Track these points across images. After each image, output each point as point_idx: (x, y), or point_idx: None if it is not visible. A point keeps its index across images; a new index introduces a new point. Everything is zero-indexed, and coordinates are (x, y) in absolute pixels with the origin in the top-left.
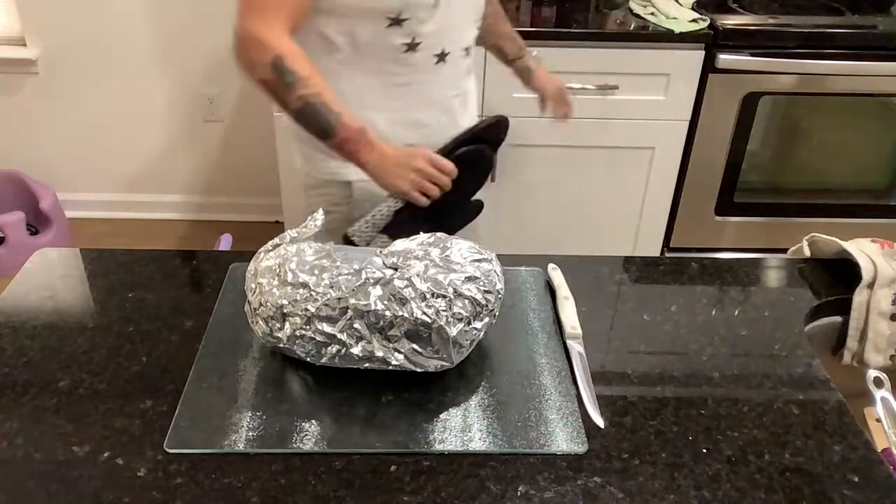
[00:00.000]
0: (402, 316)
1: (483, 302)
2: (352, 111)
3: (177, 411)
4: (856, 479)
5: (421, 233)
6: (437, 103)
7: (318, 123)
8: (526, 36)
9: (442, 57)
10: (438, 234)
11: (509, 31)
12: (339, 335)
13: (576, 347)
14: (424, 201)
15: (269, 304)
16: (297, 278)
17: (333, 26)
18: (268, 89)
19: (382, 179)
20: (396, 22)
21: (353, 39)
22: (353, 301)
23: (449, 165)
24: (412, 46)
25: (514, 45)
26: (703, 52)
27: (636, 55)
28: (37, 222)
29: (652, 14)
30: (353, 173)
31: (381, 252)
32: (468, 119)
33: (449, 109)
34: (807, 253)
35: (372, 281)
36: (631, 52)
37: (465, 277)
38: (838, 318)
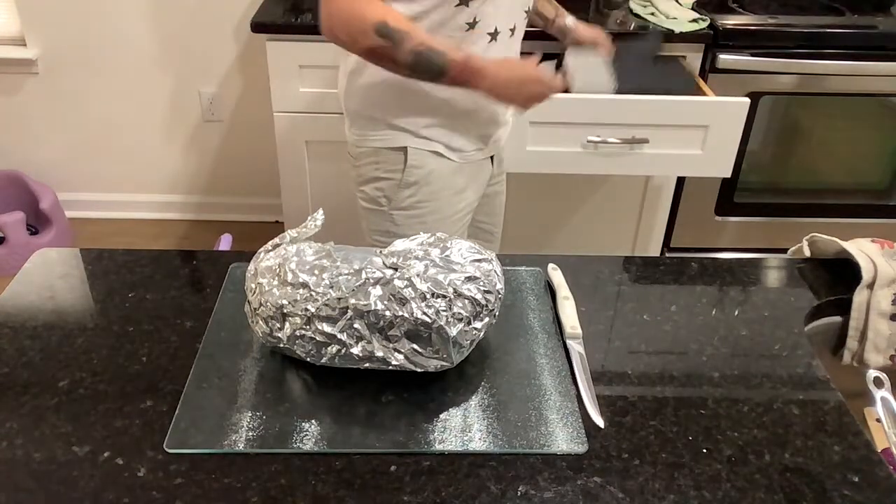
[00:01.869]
0: (402, 316)
1: (483, 302)
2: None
3: (177, 411)
4: (856, 479)
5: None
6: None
7: (431, 69)
8: (526, 36)
9: (494, 36)
10: (438, 234)
11: None
12: (339, 335)
13: (576, 347)
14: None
15: (269, 304)
16: (297, 278)
17: (407, 7)
18: (375, 55)
19: (499, 100)
20: (464, 2)
21: (424, 20)
22: (353, 301)
23: (557, 85)
24: (472, 25)
25: (551, 7)
26: (703, 52)
27: None
28: (37, 222)
29: (652, 14)
30: (408, 138)
31: (381, 252)
32: None
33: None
34: (807, 253)
35: (372, 281)
36: None
37: (465, 277)
38: (838, 318)
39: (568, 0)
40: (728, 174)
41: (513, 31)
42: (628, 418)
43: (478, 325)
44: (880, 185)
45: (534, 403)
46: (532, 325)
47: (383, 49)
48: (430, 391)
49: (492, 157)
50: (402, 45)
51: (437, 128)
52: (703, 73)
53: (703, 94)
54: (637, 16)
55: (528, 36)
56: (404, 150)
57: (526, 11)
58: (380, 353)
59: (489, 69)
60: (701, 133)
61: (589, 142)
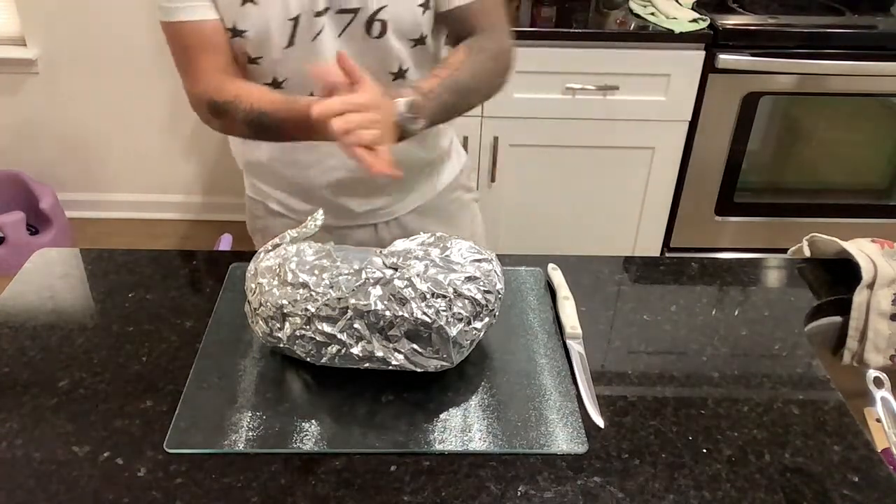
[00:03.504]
0: (402, 316)
1: (483, 302)
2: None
3: (177, 411)
4: (856, 479)
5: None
6: (316, 146)
7: (269, 130)
8: (526, 36)
9: None
10: (438, 233)
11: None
12: (339, 335)
13: (576, 347)
14: (365, 160)
15: (269, 304)
16: (297, 278)
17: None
18: (227, 131)
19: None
20: (253, 61)
21: (241, 71)
22: (353, 301)
23: (360, 99)
24: (276, 85)
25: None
26: (703, 52)
27: (636, 55)
28: (37, 222)
29: (652, 14)
30: (249, 187)
31: (380, 252)
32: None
33: (333, 153)
34: (807, 253)
35: (372, 281)
36: (631, 52)
37: (465, 277)
38: (838, 318)
39: (567, 0)
40: (688, 119)
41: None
42: (628, 418)
43: (478, 325)
44: (880, 185)
45: (534, 403)
46: (532, 325)
47: (226, 126)
48: (430, 391)
49: (376, 226)
50: (235, 116)
51: (269, 182)
52: (704, 73)
53: None
54: (637, 16)
55: None
56: (249, 197)
57: (392, 72)
58: (380, 353)
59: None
60: (663, 81)
61: (567, 88)
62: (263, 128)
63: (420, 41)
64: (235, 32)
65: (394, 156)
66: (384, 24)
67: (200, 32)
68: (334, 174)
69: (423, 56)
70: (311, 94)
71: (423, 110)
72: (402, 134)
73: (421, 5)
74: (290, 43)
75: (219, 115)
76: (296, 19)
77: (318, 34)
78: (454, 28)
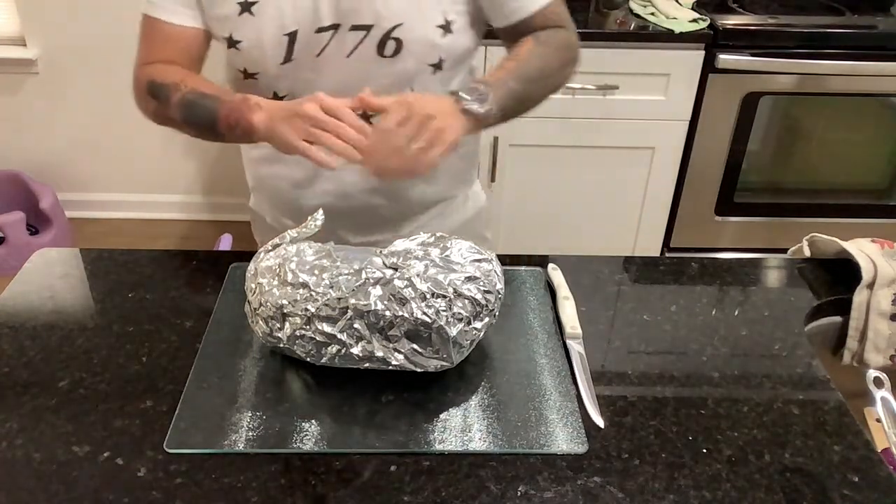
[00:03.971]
0: (402, 316)
1: (483, 302)
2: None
3: (177, 411)
4: (856, 479)
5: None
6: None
7: (202, 117)
8: None
9: None
10: (438, 233)
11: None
12: (339, 335)
13: (576, 347)
14: (324, 159)
15: (269, 304)
16: (297, 278)
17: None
18: (159, 119)
19: (274, 139)
20: (250, 76)
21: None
22: (353, 301)
23: (344, 111)
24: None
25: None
26: (703, 52)
27: (636, 55)
28: (37, 222)
29: (652, 14)
30: (251, 198)
31: (380, 252)
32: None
33: (327, 175)
34: (807, 253)
35: (372, 281)
36: (631, 52)
37: (465, 277)
38: (838, 318)
39: (568, 0)
40: (688, 119)
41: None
42: (628, 418)
43: (478, 325)
44: (880, 185)
45: (534, 403)
46: (532, 325)
47: (159, 110)
48: (430, 391)
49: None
50: (170, 99)
51: (265, 198)
52: (704, 73)
53: None
54: (637, 16)
55: None
56: (250, 208)
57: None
58: (380, 353)
59: (269, 103)
60: (663, 81)
61: (567, 88)
62: (197, 113)
63: (438, 66)
64: (231, 42)
65: (400, 190)
66: (399, 43)
67: (175, 35)
68: (326, 198)
69: (444, 83)
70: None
71: (486, 95)
72: (475, 124)
73: (441, 27)
74: (288, 59)
75: (155, 96)
76: (292, 35)
77: (322, 50)
78: (518, 37)
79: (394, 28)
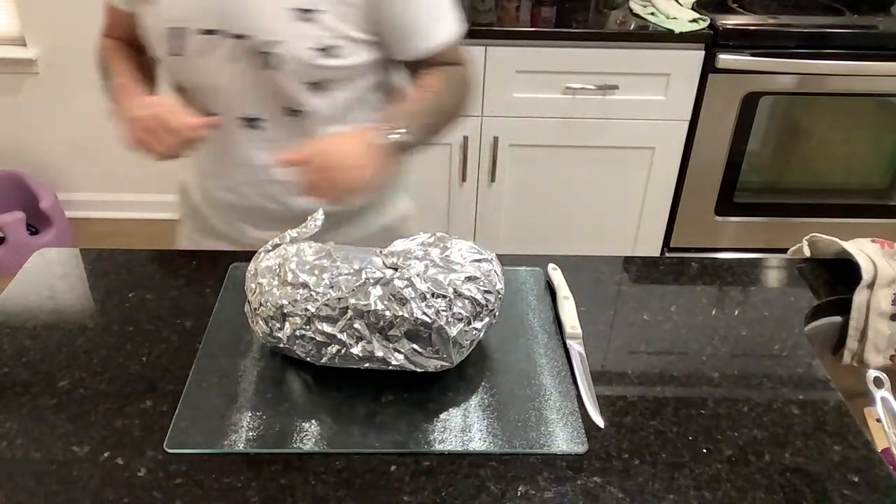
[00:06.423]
0: (402, 316)
1: (483, 302)
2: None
3: (177, 411)
4: (856, 479)
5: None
6: (247, 166)
7: (107, 89)
8: (526, 36)
9: (251, 122)
10: (439, 233)
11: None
12: (339, 335)
13: (576, 347)
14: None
15: (269, 304)
16: (297, 278)
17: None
18: (97, 70)
19: (120, 131)
20: (157, 60)
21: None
22: (353, 301)
23: (181, 121)
24: (182, 91)
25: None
26: (703, 52)
27: (636, 55)
28: (37, 222)
29: (652, 14)
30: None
31: (381, 252)
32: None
33: (261, 180)
34: (807, 253)
35: (372, 281)
36: (631, 52)
37: (465, 277)
38: (838, 318)
39: (568, 0)
40: (687, 119)
41: (251, 122)
42: (628, 418)
43: (478, 325)
44: (880, 185)
45: (534, 403)
46: (532, 325)
47: (96, 62)
48: (430, 391)
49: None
50: (105, 74)
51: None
52: (704, 73)
53: None
54: (637, 16)
55: None
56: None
57: (287, 108)
58: (380, 353)
59: (141, 97)
60: (663, 81)
61: (567, 88)
62: (105, 86)
63: (319, 86)
64: (139, 25)
65: (287, 197)
66: (274, 58)
67: (118, 17)
68: (228, 195)
69: (329, 103)
70: (211, 111)
71: (396, 130)
72: (394, 153)
73: (318, 49)
74: (176, 53)
75: (100, 70)
76: (177, 30)
77: (206, 52)
78: (417, 69)
79: (269, 43)
